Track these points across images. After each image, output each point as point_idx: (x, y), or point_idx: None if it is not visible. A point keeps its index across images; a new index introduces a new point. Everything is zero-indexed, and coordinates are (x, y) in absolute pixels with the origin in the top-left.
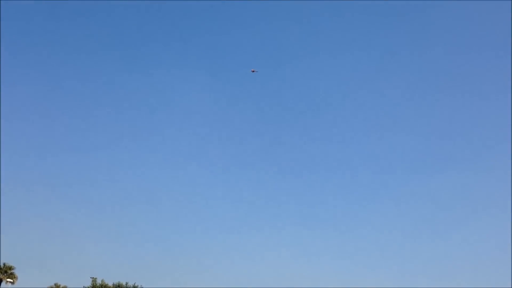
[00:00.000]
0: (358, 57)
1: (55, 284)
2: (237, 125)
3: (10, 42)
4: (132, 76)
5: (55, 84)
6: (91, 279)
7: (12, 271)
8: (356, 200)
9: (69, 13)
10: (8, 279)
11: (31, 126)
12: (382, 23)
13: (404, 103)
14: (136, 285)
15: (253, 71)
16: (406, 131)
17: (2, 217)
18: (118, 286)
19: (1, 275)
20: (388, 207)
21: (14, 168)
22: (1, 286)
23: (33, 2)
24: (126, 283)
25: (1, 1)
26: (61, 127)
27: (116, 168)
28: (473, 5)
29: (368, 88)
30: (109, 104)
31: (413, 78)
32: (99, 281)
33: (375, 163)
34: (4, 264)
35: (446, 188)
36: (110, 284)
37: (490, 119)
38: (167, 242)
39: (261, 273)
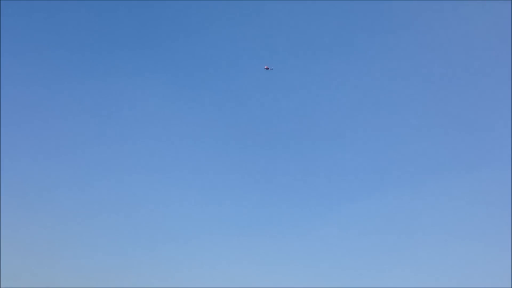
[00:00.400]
0: (357, 58)
1: None
2: (215, 129)
3: None
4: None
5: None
6: None
7: None
8: (355, 200)
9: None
10: None
11: None
12: (382, 23)
13: (404, 104)
14: None
15: (267, 68)
16: (406, 131)
17: None
18: None
19: None
20: (384, 206)
21: None
22: None
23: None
24: None
25: (1, 1)
26: (23, 132)
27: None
28: (473, 5)
29: (366, 90)
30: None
31: (412, 79)
32: None
33: (372, 164)
34: None
35: (445, 188)
36: None
37: (489, 120)
38: (132, 250)
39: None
